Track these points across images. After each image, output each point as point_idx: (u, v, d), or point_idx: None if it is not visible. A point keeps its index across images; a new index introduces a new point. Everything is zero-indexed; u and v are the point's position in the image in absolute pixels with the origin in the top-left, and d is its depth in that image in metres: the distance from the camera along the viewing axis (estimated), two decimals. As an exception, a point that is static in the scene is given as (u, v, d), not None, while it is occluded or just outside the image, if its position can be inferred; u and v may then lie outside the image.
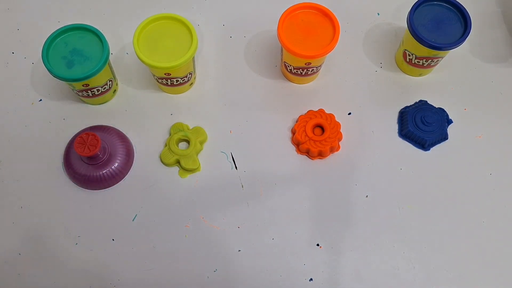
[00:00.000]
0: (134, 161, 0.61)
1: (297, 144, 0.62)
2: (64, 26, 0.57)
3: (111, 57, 0.62)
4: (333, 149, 0.61)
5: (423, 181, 0.61)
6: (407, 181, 0.61)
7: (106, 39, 0.57)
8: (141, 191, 0.60)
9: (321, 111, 0.62)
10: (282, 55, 0.62)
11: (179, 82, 0.61)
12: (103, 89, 0.61)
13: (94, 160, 0.57)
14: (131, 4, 0.70)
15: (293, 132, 0.62)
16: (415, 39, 0.59)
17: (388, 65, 0.67)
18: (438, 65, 0.64)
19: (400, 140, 0.63)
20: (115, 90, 0.64)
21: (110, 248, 0.57)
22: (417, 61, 0.62)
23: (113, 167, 0.58)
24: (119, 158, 0.59)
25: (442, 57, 0.62)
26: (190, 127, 0.62)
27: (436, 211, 0.60)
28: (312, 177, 0.61)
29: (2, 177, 0.60)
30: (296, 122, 0.62)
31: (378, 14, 0.70)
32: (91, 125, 0.62)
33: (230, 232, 0.58)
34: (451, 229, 0.59)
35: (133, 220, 0.59)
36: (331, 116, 0.62)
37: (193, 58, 0.59)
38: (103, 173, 0.58)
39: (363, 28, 0.69)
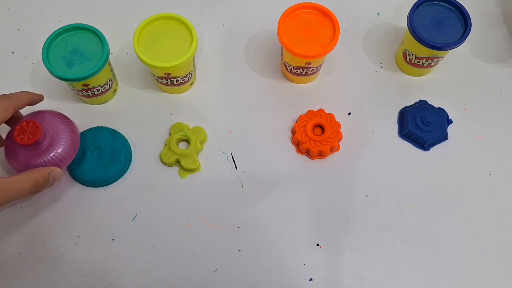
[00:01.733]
0: (134, 161, 0.61)
1: (297, 144, 0.62)
2: (64, 26, 0.57)
3: (111, 57, 0.62)
4: (333, 149, 0.61)
5: (423, 181, 0.61)
6: (407, 181, 0.61)
7: (106, 39, 0.57)
8: (141, 191, 0.60)
9: (321, 111, 0.62)
10: (282, 55, 0.62)
11: (179, 82, 0.61)
12: (103, 89, 0.61)
13: (35, 146, 0.53)
14: (131, 4, 0.70)
15: (293, 132, 0.62)
16: (415, 39, 0.59)
17: (388, 65, 0.67)
18: (438, 65, 0.64)
19: (400, 140, 0.63)
20: (115, 90, 0.64)
21: (110, 248, 0.57)
22: (417, 61, 0.62)
23: (55, 153, 0.53)
24: (63, 142, 0.54)
25: (442, 57, 0.62)
26: (190, 127, 0.62)
27: (436, 211, 0.60)
28: (312, 177, 0.61)
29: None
30: (296, 122, 0.62)
31: (378, 14, 0.70)
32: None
33: (230, 232, 0.58)
34: (451, 229, 0.59)
35: (133, 220, 0.59)
36: (331, 116, 0.62)
37: (193, 58, 0.59)
38: (46, 160, 0.53)
39: (363, 28, 0.69)
